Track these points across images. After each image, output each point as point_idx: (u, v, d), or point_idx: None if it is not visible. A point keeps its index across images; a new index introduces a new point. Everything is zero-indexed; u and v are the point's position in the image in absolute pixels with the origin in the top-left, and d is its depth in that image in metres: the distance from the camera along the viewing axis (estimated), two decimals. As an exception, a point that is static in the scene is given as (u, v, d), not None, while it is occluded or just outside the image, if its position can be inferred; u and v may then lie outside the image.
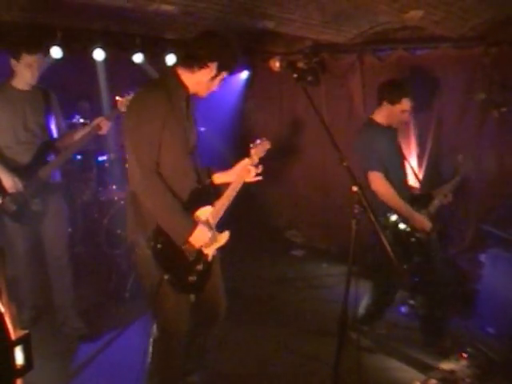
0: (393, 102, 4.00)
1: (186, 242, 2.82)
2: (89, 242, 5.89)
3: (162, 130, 2.73)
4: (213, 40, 2.83)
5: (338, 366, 2.83)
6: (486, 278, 4.68)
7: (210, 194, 3.11)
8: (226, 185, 3.14)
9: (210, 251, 2.98)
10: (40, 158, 4.01)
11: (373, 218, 2.60)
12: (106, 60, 5.77)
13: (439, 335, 4.29)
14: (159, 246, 2.81)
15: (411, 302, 4.96)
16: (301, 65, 5.90)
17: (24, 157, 3.96)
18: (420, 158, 5.63)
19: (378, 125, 4.10)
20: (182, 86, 2.89)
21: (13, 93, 3.93)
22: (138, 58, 6.01)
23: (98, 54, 5.60)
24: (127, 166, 2.93)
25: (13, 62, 3.85)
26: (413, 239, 3.92)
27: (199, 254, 2.93)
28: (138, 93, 2.90)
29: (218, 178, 3.25)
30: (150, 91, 2.82)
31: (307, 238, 7.28)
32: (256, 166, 3.20)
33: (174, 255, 2.86)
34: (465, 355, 4.01)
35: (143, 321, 4.43)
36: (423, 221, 3.91)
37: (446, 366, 4.00)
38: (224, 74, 2.94)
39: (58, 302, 4.29)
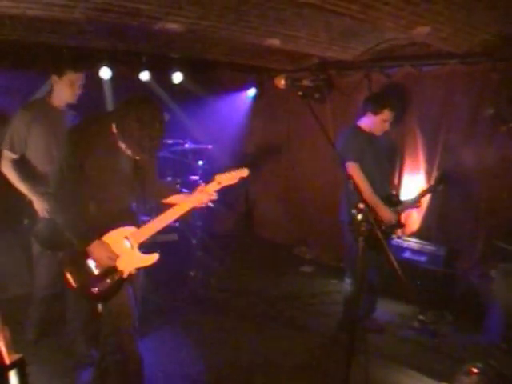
0: (375, 113, 4.47)
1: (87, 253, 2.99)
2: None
3: None
4: None
5: (347, 380, 2.81)
6: (496, 293, 4.68)
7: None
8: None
9: (126, 268, 3.10)
10: None
11: (380, 235, 2.58)
12: (112, 78, 5.80)
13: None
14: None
15: (421, 317, 5.01)
16: (306, 82, 5.91)
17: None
18: (428, 173, 5.60)
19: (360, 129, 4.57)
20: None
21: (49, 110, 3.91)
22: (144, 76, 6.05)
23: (105, 73, 5.64)
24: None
25: (54, 78, 3.85)
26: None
27: (111, 269, 3.05)
28: None
29: (176, 199, 3.41)
30: None
31: (316, 254, 7.24)
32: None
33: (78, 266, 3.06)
34: (476, 370, 3.94)
35: (149, 341, 4.41)
36: (387, 212, 4.44)
37: (458, 380, 3.95)
38: None
39: (69, 329, 4.18)
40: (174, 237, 5.42)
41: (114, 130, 2.95)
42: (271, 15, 4.36)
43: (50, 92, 3.94)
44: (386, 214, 4.43)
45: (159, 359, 4.18)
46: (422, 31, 4.34)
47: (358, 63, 6.04)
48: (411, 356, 4.47)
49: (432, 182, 4.60)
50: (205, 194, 3.27)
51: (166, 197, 3.44)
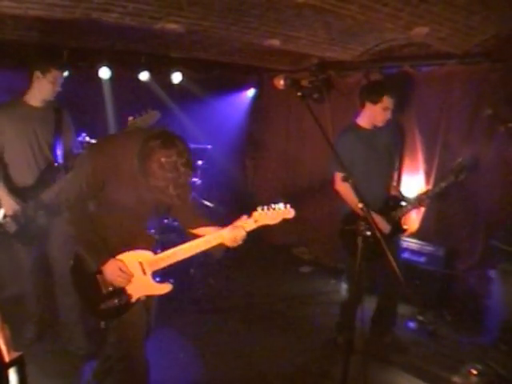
0: (375, 102, 4.17)
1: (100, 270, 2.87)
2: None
3: None
4: None
5: (345, 381, 2.82)
6: (495, 294, 4.71)
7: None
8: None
9: (136, 293, 2.97)
10: (45, 180, 3.97)
11: (378, 234, 2.59)
12: (111, 78, 5.81)
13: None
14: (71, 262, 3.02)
15: (420, 317, 5.02)
16: (305, 83, 5.90)
17: (29, 177, 3.95)
18: (427, 174, 5.61)
19: (358, 128, 4.30)
20: None
21: (25, 110, 3.91)
22: (143, 76, 6.06)
23: (104, 73, 5.65)
24: None
25: (37, 74, 3.83)
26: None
27: (119, 290, 2.93)
28: None
29: (204, 231, 3.16)
30: None
31: (315, 254, 7.24)
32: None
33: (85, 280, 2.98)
34: (475, 371, 3.95)
35: (150, 340, 4.40)
36: (380, 222, 4.10)
37: (457, 381, 3.95)
38: None
39: (64, 320, 4.26)
40: (175, 237, 5.42)
41: (136, 162, 2.61)
42: (271, 16, 4.37)
43: (27, 90, 3.93)
44: (377, 224, 3.99)
45: (157, 360, 4.17)
46: (420, 32, 4.35)
47: (358, 63, 6.07)
48: (410, 356, 4.47)
49: (445, 177, 4.35)
50: (239, 232, 2.98)
51: (195, 227, 3.18)
